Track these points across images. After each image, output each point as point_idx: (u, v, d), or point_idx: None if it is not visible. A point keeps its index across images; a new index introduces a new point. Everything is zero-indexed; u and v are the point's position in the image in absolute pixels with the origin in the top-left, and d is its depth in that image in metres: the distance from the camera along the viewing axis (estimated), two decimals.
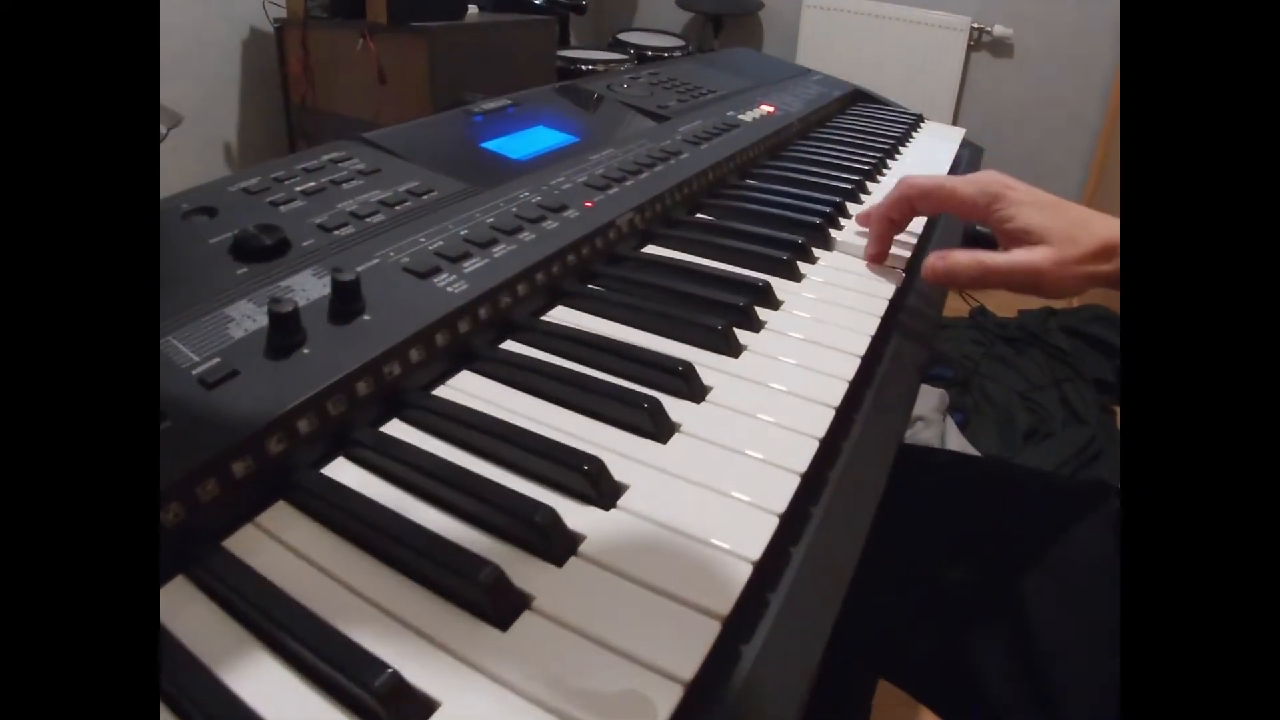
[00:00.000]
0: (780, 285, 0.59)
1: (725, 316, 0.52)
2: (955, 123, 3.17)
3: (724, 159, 0.79)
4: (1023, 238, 0.57)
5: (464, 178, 0.62)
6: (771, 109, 1.02)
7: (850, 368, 0.49)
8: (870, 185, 0.87)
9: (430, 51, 1.79)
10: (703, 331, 0.50)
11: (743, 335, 0.51)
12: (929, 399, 1.84)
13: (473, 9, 2.08)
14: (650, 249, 0.64)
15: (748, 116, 0.95)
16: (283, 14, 2.24)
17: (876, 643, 0.71)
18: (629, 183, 0.66)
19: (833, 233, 0.70)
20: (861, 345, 0.52)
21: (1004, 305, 2.58)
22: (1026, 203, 0.58)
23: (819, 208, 0.72)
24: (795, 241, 0.64)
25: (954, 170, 1.07)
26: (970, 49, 3.03)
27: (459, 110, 0.78)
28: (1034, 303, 2.56)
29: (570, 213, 0.59)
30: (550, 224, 0.57)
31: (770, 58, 1.49)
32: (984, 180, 0.60)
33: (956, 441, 1.80)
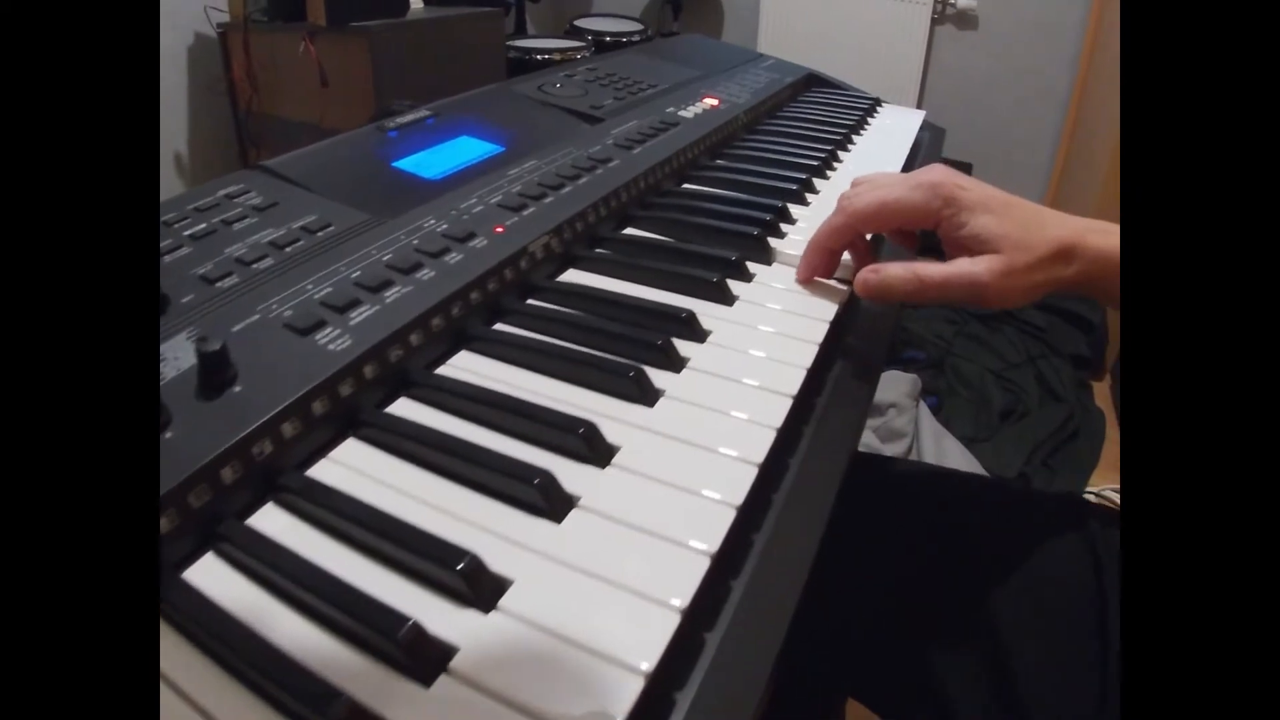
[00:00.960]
0: (709, 312, 0.54)
1: (642, 356, 0.47)
2: (921, 99, 3.13)
3: (659, 163, 0.74)
4: (972, 245, 0.53)
5: (367, 206, 0.57)
6: (715, 102, 0.97)
7: (780, 410, 0.44)
8: (819, 182, 0.82)
9: (372, 52, 1.73)
10: (613, 379, 0.45)
11: (660, 377, 0.47)
12: (900, 385, 1.80)
13: (418, 4, 2.01)
14: (569, 275, 0.59)
15: (689, 112, 0.90)
16: (225, 18, 2.17)
17: (844, 661, 0.69)
18: (548, 200, 0.61)
19: (773, 243, 0.65)
20: (795, 381, 0.47)
21: None
22: (978, 206, 0.53)
23: (758, 214, 0.67)
24: (728, 259, 0.59)
25: (912, 157, 1.02)
26: (934, 22, 2.98)
27: (372, 127, 0.73)
28: None
29: (478, 241, 0.54)
30: (454, 257, 0.52)
31: (721, 44, 1.44)
32: (933, 182, 0.55)
33: (930, 427, 1.76)
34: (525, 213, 0.59)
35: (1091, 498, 1.80)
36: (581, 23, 3.20)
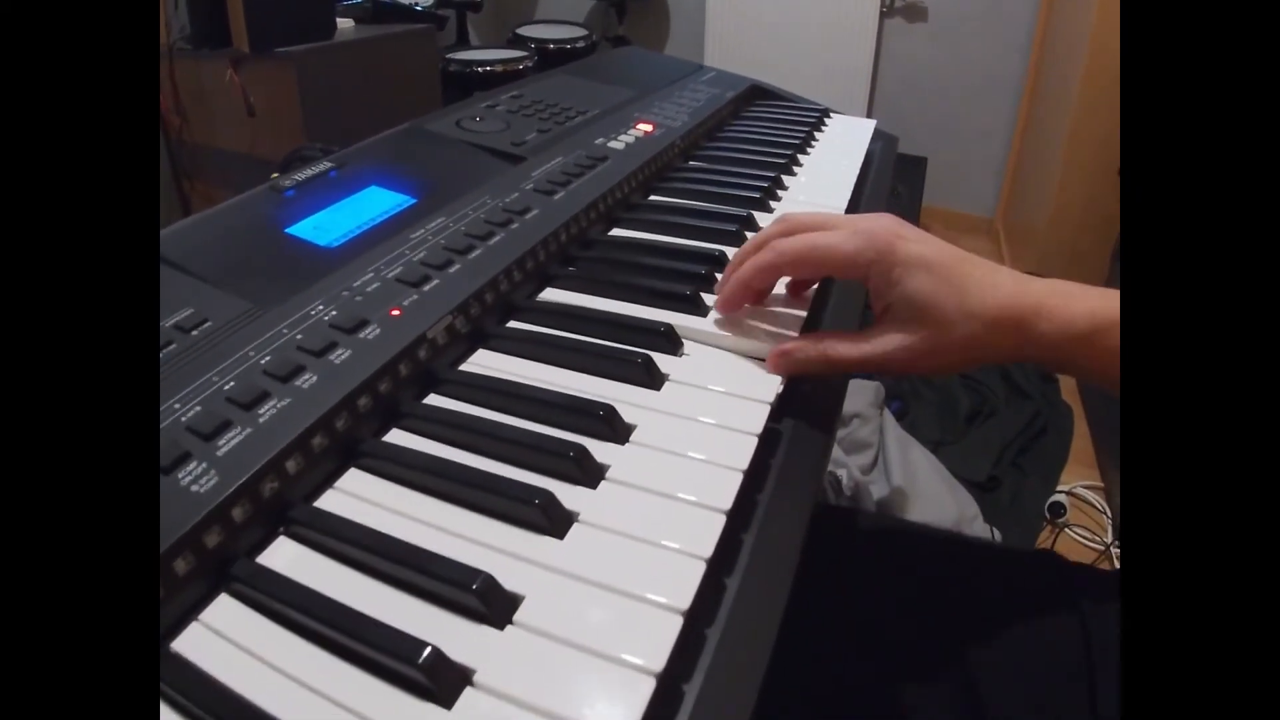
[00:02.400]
0: (634, 399, 0.48)
1: (554, 467, 0.42)
2: (873, 93, 3.09)
3: (583, 209, 0.68)
4: (899, 310, 0.48)
5: (252, 291, 0.51)
6: (649, 127, 0.91)
7: (708, 542, 0.38)
8: (761, 217, 0.77)
9: (298, 78, 1.65)
10: (519, 507, 0.39)
11: (574, 495, 0.41)
12: (864, 394, 1.76)
13: (348, 24, 1.94)
14: (479, 359, 0.53)
15: (620, 142, 0.84)
16: None
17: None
18: (455, 268, 0.55)
19: (710, 299, 0.59)
20: (728, 494, 0.41)
21: None
22: (915, 264, 0.48)
23: (691, 267, 0.61)
24: (657, 329, 0.53)
25: (864, 173, 0.97)
26: (883, 16, 2.95)
27: (266, 186, 0.67)
28: None
29: (370, 331, 0.48)
30: (340, 355, 0.45)
31: (659, 56, 1.38)
32: (871, 231, 0.50)
33: (895, 435, 1.72)
34: (427, 288, 0.53)
35: (1063, 498, 1.77)
36: (524, 31, 3.13)
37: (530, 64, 2.71)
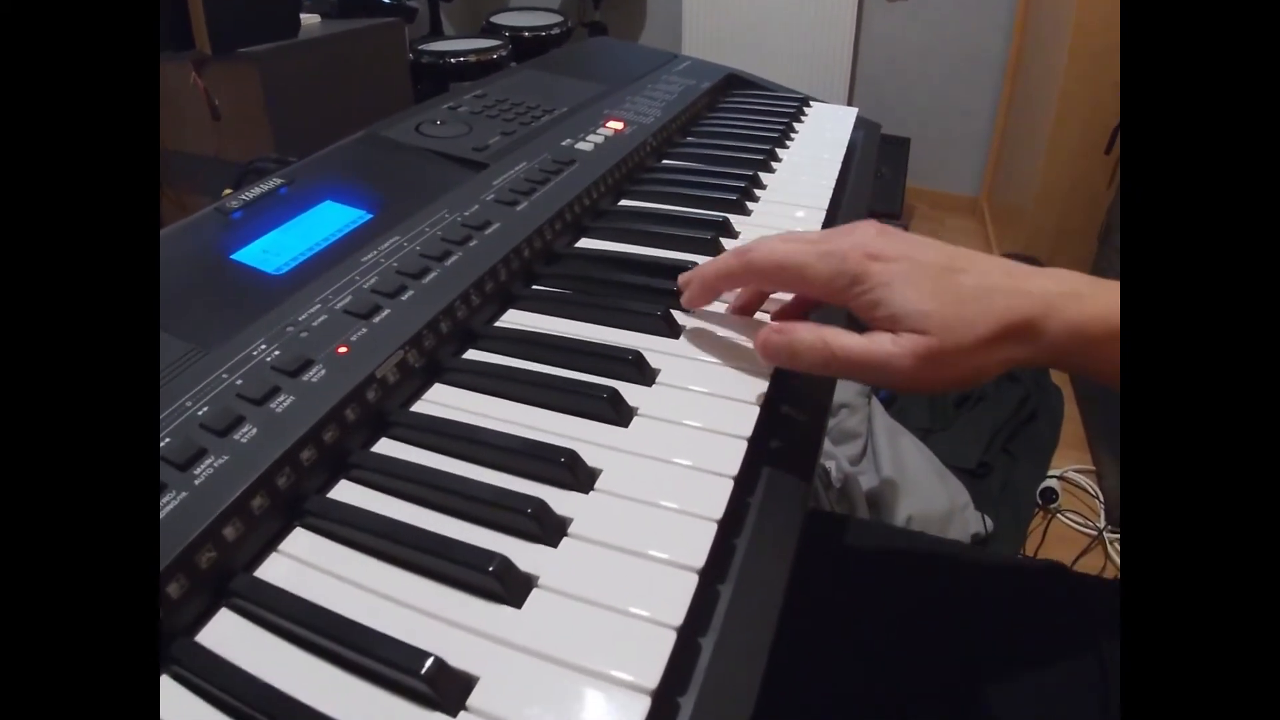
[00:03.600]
0: (600, 439, 0.45)
1: (514, 528, 0.38)
2: (854, 73, 3.05)
3: (548, 220, 0.64)
4: (891, 328, 0.44)
5: (192, 331, 0.47)
6: (620, 125, 0.87)
7: (686, 590, 0.36)
8: (739, 220, 0.74)
9: (262, 79, 1.61)
10: (472, 573, 0.36)
11: (535, 556, 0.38)
12: (850, 384, 1.73)
13: (314, 20, 1.89)
14: (435, 395, 0.49)
15: (588, 143, 0.81)
16: None
17: None
18: (408, 295, 0.52)
19: (680, 318, 0.56)
20: (700, 553, 0.37)
21: None
22: (897, 279, 0.44)
23: (662, 284, 0.58)
24: (625, 358, 0.50)
25: (846, 166, 0.94)
26: None
27: (212, 209, 0.63)
28: None
29: (314, 373, 0.44)
30: (281, 402, 0.42)
31: (632, 46, 1.35)
32: (842, 252, 0.46)
33: (884, 424, 1.69)
34: (378, 319, 0.49)
35: (1055, 483, 1.75)
36: (499, 19, 3.08)
37: (505, 53, 2.66)
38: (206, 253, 0.57)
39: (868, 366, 0.44)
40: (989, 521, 1.58)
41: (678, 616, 0.33)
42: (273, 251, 0.58)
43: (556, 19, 3.08)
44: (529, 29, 2.95)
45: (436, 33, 3.15)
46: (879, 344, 0.43)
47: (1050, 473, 1.79)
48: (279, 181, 0.68)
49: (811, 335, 0.45)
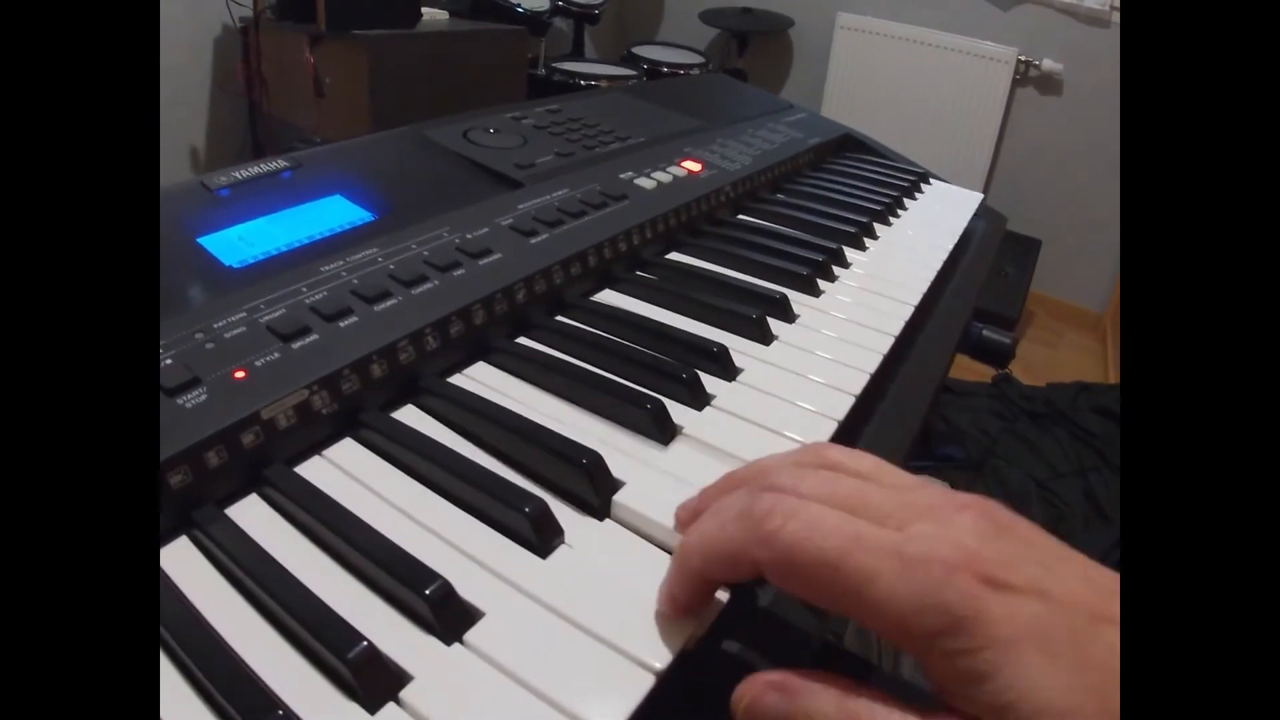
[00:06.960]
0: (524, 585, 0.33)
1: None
2: (994, 166, 2.88)
3: (564, 260, 0.53)
4: (1006, 714, 0.23)
5: None
6: (697, 166, 0.76)
7: None
8: (800, 302, 0.61)
9: (369, 63, 1.56)
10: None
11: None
12: None
13: (440, 15, 1.85)
14: (336, 454, 0.38)
15: (651, 180, 0.69)
16: (248, 13, 2.04)
17: None
18: (349, 322, 0.41)
19: (677, 415, 0.44)
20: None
21: (1033, 373, 2.30)
22: (1024, 639, 0.23)
23: (676, 369, 0.46)
24: (583, 468, 0.38)
25: (958, 252, 0.80)
26: (1015, 83, 2.75)
27: (196, 181, 0.54)
28: (1066, 374, 2.27)
29: (194, 396, 0.34)
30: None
31: (746, 88, 1.23)
32: (944, 559, 0.25)
33: None
34: (299, 344, 0.39)
35: None
36: (641, 50, 3.03)
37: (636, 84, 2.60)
38: (170, 229, 0.48)
39: None
40: None
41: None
42: (247, 241, 0.49)
43: (698, 59, 3.01)
44: (668, 64, 2.89)
45: (578, 53, 3.12)
46: None
47: None
48: (284, 164, 0.58)
49: (835, 709, 0.26)
